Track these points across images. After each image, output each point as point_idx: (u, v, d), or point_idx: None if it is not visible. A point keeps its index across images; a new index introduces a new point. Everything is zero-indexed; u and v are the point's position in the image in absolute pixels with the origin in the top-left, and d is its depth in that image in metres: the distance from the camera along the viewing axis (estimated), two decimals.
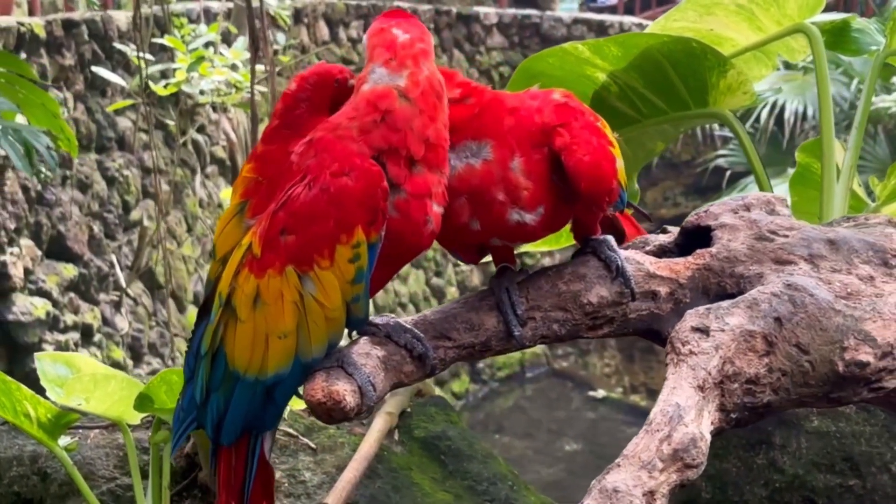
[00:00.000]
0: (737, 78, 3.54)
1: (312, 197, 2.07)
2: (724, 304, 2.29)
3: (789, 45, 3.93)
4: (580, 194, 2.26)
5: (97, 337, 9.53)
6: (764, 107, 12.61)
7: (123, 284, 9.96)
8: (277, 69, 10.37)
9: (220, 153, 11.61)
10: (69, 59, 9.61)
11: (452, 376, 14.65)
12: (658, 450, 2.03)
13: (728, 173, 13.46)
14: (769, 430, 3.09)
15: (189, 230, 10.95)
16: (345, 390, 2.09)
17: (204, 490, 3.21)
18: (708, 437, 2.10)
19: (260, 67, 7.02)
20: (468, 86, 2.27)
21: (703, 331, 2.22)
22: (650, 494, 1.99)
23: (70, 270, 9.30)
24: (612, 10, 18.59)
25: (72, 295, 9.30)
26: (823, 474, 3.05)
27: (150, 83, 9.54)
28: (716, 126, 13.45)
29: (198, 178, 11.30)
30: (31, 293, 8.79)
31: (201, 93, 10.34)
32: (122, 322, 9.94)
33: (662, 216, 13.61)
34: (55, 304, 8.96)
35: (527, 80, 3.53)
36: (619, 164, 2.34)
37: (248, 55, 7.57)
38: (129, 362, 9.80)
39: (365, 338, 2.24)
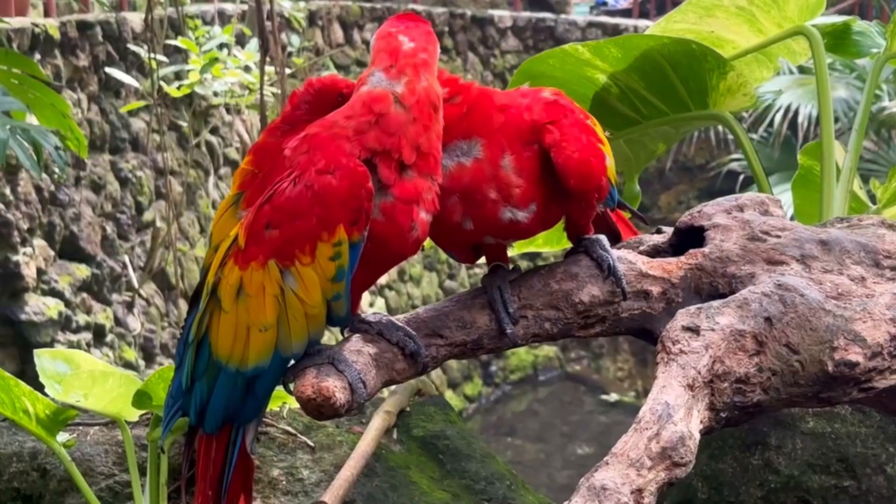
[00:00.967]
0: (736, 80, 3.55)
1: (297, 193, 2.09)
2: (715, 303, 2.29)
3: (790, 48, 3.93)
4: (570, 190, 2.27)
5: (109, 337, 9.56)
6: (777, 111, 12.58)
7: (136, 285, 9.99)
8: (292, 71, 10.42)
9: (234, 155, 11.64)
10: (83, 61, 9.65)
11: (465, 379, 14.66)
12: (647, 448, 2.04)
13: (742, 177, 13.44)
14: (765, 430, 3.09)
15: (202, 231, 10.98)
16: (335, 387, 2.10)
17: None
18: (697, 435, 2.10)
19: (273, 69, 7.06)
20: (455, 83, 2.28)
21: (694, 330, 2.23)
22: (638, 492, 1.99)
23: (83, 271, 9.34)
24: (625, 13, 18.56)
25: (84, 295, 9.33)
26: (819, 475, 3.05)
27: (164, 84, 9.59)
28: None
29: (211, 179, 11.33)
30: (44, 293, 8.82)
31: (215, 94, 10.39)
32: (135, 322, 9.97)
33: (676, 220, 13.56)
34: (67, 304, 8.99)
35: (528, 81, 3.54)
36: (609, 161, 2.36)
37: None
38: (141, 363, 9.83)
39: (357, 335, 2.25)
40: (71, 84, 9.45)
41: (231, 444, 2.26)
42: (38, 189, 8.80)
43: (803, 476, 3.05)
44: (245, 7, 11.46)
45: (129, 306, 9.95)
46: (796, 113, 12.56)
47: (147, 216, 10.43)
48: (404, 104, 2.11)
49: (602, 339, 15.32)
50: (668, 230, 2.67)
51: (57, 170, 6.23)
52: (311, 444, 3.31)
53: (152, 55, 8.16)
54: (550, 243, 3.67)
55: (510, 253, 2.57)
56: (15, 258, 8.44)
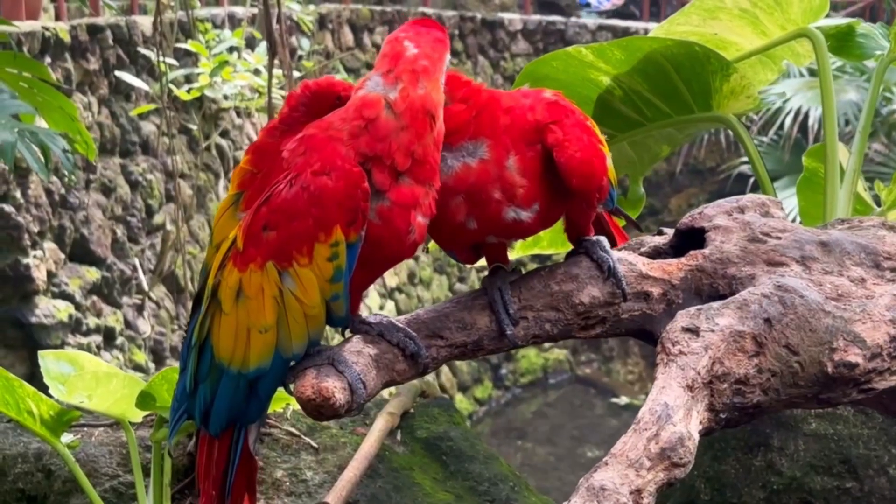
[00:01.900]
0: (740, 82, 3.55)
1: (293, 194, 2.09)
2: (715, 304, 2.29)
3: (794, 50, 3.93)
4: (572, 190, 2.28)
5: (119, 340, 9.58)
6: (787, 114, 12.55)
7: (146, 288, 10.02)
8: (302, 74, 10.44)
9: None
10: (94, 64, 9.67)
11: (475, 382, 14.66)
12: (646, 448, 2.04)
13: (752, 180, 13.41)
14: (767, 432, 3.09)
15: (212, 234, 10.97)
16: (334, 387, 2.10)
17: None
18: (696, 436, 2.10)
19: (282, 72, 7.07)
20: (469, 86, 2.29)
21: (694, 331, 2.23)
22: (637, 493, 1.99)
23: (93, 273, 9.36)
24: (620, 14, 18.40)
25: (94, 298, 9.35)
26: (821, 476, 3.05)
27: (174, 88, 9.61)
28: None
29: (221, 182, 11.35)
30: (54, 296, 8.85)
31: (224, 97, 10.41)
32: (145, 325, 9.99)
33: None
34: (78, 306, 9.02)
35: (531, 83, 3.53)
36: (609, 161, 2.37)
37: None
38: (151, 365, 9.85)
39: (357, 336, 2.25)
40: (81, 87, 9.48)
41: (234, 444, 2.26)
42: (49, 192, 8.82)
43: (806, 477, 3.06)
44: (255, 10, 11.49)
45: (139, 309, 9.97)
46: (806, 116, 12.52)
47: (157, 219, 10.45)
48: (395, 111, 2.10)
49: (612, 342, 15.33)
50: (669, 232, 2.68)
51: (66, 173, 6.24)
52: (314, 445, 3.32)
53: (162, 58, 8.17)
54: (555, 245, 3.67)
55: (513, 256, 2.57)
56: (25, 261, 8.46)
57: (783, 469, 3.07)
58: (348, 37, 14.26)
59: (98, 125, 9.62)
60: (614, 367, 15.78)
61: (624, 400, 14.93)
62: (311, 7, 12.90)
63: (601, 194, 2.35)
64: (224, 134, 11.39)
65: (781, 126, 12.75)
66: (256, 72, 10.26)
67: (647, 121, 3.75)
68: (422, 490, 3.27)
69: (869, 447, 3.04)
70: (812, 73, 11.69)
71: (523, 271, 2.49)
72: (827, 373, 2.27)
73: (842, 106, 11.14)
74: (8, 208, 8.36)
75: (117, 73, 9.75)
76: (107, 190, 9.73)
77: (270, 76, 6.48)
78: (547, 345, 14.98)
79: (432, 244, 3.37)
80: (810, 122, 12.50)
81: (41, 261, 8.66)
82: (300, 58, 11.89)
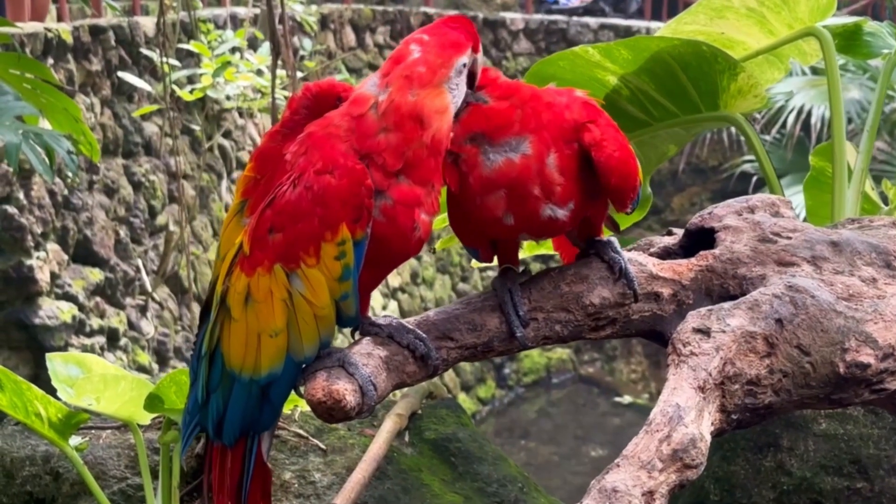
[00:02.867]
0: (747, 81, 3.54)
1: (297, 195, 2.08)
2: (726, 305, 2.28)
3: (801, 49, 3.92)
4: (609, 189, 2.28)
5: (123, 341, 9.59)
6: (790, 112, 12.55)
7: (149, 289, 10.02)
8: (304, 75, 10.43)
9: (247, 158, 11.63)
10: (96, 65, 9.68)
11: (478, 382, 14.66)
12: (658, 450, 2.03)
13: (755, 179, 13.41)
14: (777, 432, 3.08)
15: (215, 235, 11.00)
16: (345, 389, 2.09)
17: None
18: (708, 437, 2.09)
19: (285, 72, 7.07)
20: (509, 84, 2.29)
21: (705, 332, 2.22)
22: (649, 494, 1.98)
23: (96, 275, 9.36)
24: (572, 12, 18.23)
25: (98, 299, 9.36)
26: (831, 477, 3.04)
27: (176, 88, 9.61)
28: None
29: (224, 183, 11.35)
30: (58, 297, 8.85)
31: (227, 98, 10.41)
32: (148, 326, 9.99)
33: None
34: (81, 308, 9.02)
35: (538, 83, 3.51)
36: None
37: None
38: (155, 366, 9.85)
39: (367, 338, 2.24)
40: (84, 88, 9.49)
41: (247, 453, 2.24)
42: (52, 193, 8.83)
43: (816, 478, 3.05)
44: (257, 11, 11.49)
45: (143, 310, 9.97)
46: (809, 114, 12.52)
47: (160, 220, 10.45)
48: (378, 111, 2.10)
49: (615, 341, 15.31)
50: (679, 232, 2.67)
51: (70, 174, 6.24)
52: (322, 446, 3.32)
53: (165, 59, 8.18)
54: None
55: (521, 255, 2.56)
56: (29, 262, 8.47)
57: (793, 469, 3.06)
58: (350, 37, 14.26)
59: (101, 126, 9.63)
60: (617, 367, 15.77)
61: (627, 399, 14.94)
62: (314, 7, 12.89)
63: (634, 194, 2.35)
64: (227, 134, 11.39)
65: (784, 124, 12.75)
66: (259, 72, 10.26)
67: (655, 120, 3.75)
68: (430, 491, 3.26)
69: (879, 447, 3.03)
70: (815, 71, 11.68)
71: (532, 272, 2.48)
72: (839, 373, 2.25)
73: (845, 104, 11.09)
74: (11, 210, 8.37)
75: (120, 73, 9.76)
76: (110, 191, 9.73)
77: (274, 76, 6.48)
78: None
79: (439, 244, 3.35)
80: (813, 120, 12.49)
81: (44, 262, 8.67)
82: (302, 58, 11.88)
